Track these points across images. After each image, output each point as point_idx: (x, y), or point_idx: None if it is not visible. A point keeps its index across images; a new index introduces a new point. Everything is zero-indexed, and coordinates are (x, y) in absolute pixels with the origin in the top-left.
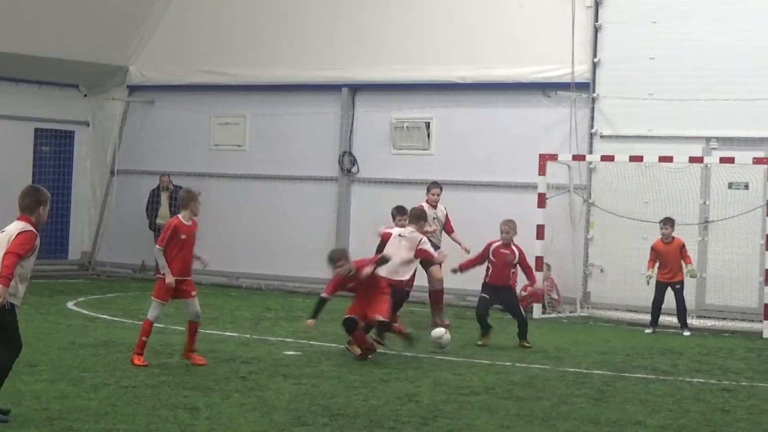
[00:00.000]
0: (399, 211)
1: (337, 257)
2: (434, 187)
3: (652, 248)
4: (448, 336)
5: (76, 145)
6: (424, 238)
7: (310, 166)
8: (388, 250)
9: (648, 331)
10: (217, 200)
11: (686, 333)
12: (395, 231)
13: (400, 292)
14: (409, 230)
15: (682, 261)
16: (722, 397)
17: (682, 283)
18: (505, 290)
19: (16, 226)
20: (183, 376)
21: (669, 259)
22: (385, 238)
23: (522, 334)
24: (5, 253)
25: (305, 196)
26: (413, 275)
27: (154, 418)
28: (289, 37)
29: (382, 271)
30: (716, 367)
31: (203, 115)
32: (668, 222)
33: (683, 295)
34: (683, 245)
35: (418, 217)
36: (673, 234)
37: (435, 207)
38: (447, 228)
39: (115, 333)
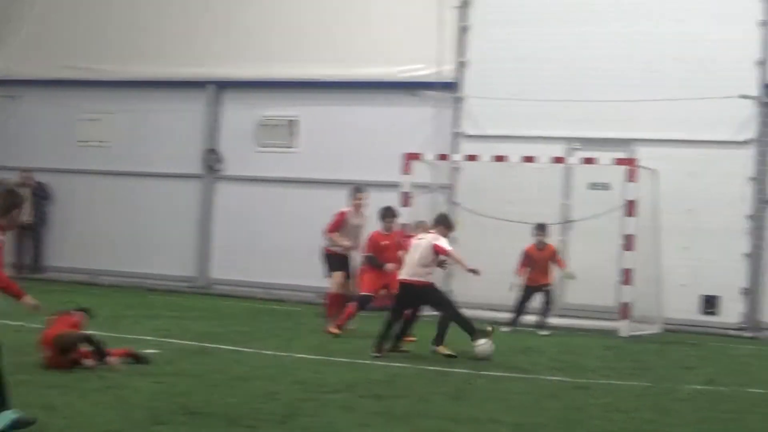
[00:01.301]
0: (387, 213)
1: None
2: (358, 191)
3: (525, 253)
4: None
5: None
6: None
7: (174, 163)
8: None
9: (505, 329)
10: (82, 197)
11: (542, 333)
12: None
13: None
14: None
15: (554, 265)
16: (578, 395)
17: (550, 286)
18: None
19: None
20: (41, 375)
21: (541, 265)
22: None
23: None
24: None
25: (169, 193)
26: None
27: None
28: (155, 34)
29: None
30: (573, 365)
31: (68, 110)
32: (542, 228)
33: (551, 298)
34: (555, 251)
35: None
36: (545, 240)
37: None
38: None
39: None
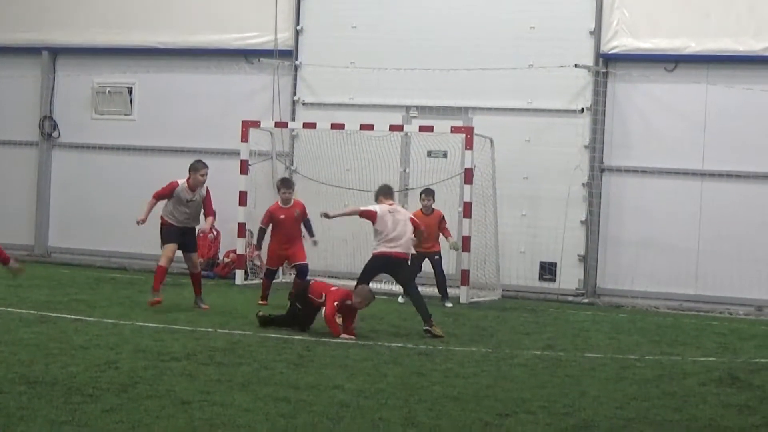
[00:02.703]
0: (284, 184)
1: None
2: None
3: (413, 217)
4: None
5: None
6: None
7: (8, 131)
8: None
9: (401, 300)
10: None
11: (448, 304)
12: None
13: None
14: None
15: (440, 233)
16: (419, 360)
17: (440, 254)
18: None
19: None
20: None
21: (428, 231)
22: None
23: None
24: None
25: (4, 160)
26: None
27: None
28: None
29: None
30: (414, 332)
31: None
32: (429, 193)
33: (442, 267)
34: (442, 217)
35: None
36: (433, 206)
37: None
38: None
39: None
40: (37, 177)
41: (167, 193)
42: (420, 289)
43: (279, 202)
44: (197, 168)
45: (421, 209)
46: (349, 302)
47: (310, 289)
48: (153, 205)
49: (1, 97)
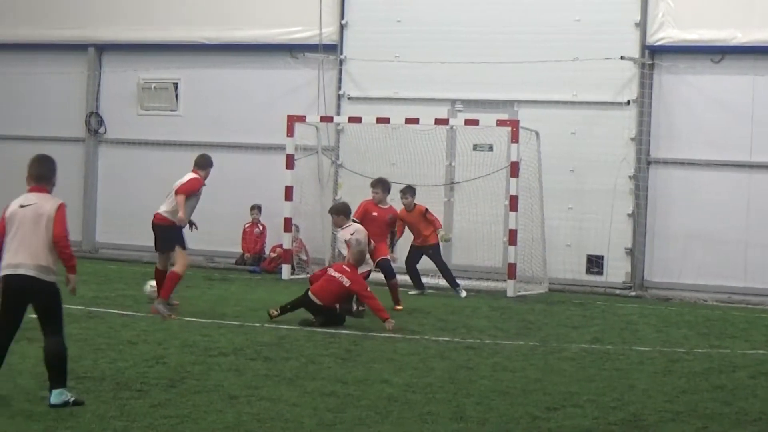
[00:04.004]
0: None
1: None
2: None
3: (398, 217)
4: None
5: None
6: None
7: (55, 127)
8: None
9: (413, 292)
10: None
11: (462, 293)
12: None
13: None
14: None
15: (429, 225)
16: (466, 354)
17: (435, 246)
18: None
19: (49, 202)
20: None
21: (415, 227)
22: None
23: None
24: (62, 236)
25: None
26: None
27: None
28: None
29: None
30: (461, 325)
31: None
32: (408, 191)
33: (440, 258)
34: (425, 210)
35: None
36: (415, 201)
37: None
38: None
39: None
40: (84, 173)
41: (196, 189)
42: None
43: (374, 201)
44: (211, 163)
45: (404, 207)
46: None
47: (312, 295)
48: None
49: (48, 94)
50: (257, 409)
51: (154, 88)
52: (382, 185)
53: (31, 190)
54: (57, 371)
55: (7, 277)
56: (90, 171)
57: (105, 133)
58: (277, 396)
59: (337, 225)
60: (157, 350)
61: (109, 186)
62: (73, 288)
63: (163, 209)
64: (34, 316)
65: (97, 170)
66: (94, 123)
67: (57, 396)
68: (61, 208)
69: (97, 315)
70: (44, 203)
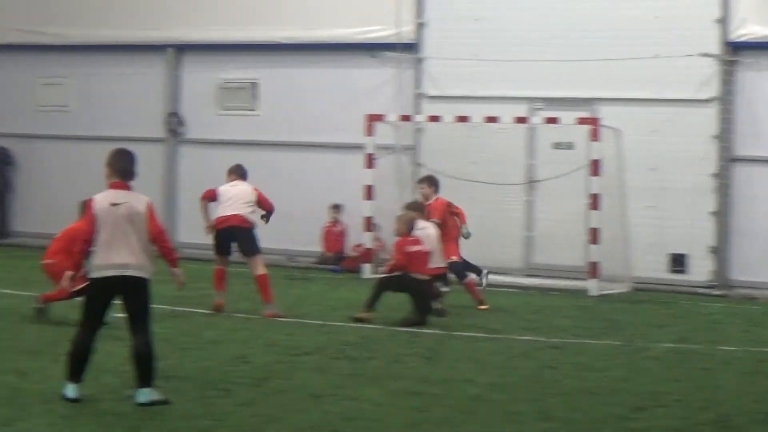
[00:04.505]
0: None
1: None
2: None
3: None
4: None
5: None
6: None
7: (135, 127)
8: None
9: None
10: (43, 162)
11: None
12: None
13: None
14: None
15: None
16: (550, 354)
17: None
18: None
19: (139, 199)
20: (12, 340)
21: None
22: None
23: None
24: (161, 231)
25: None
26: None
27: None
28: None
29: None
30: (544, 325)
31: (26, 75)
32: (425, 181)
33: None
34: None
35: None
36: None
37: None
38: None
39: None
40: (164, 173)
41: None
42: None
43: (422, 196)
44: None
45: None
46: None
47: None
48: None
49: (128, 95)
50: (342, 408)
51: (234, 88)
52: (428, 181)
53: (113, 186)
54: (145, 370)
55: (110, 278)
56: (171, 171)
57: (185, 133)
58: (361, 395)
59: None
60: (241, 350)
61: (190, 186)
62: (181, 281)
63: (246, 212)
64: (119, 315)
65: (178, 170)
66: (174, 123)
67: (144, 395)
68: (150, 204)
69: (181, 314)
70: (135, 201)
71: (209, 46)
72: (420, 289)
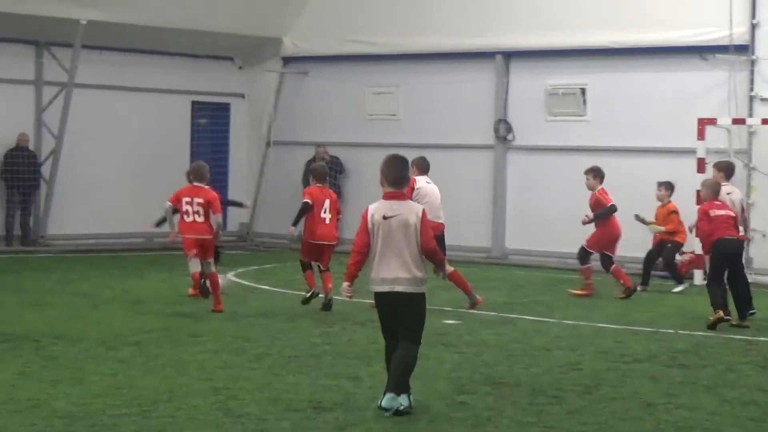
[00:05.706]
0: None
1: None
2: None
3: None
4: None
5: (232, 117)
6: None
7: (464, 135)
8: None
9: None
10: (371, 170)
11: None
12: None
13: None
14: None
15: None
16: None
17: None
18: None
19: (412, 208)
20: (345, 346)
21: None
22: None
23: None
24: (432, 242)
25: (461, 164)
26: None
27: (317, 388)
28: (441, 5)
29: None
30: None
31: (357, 85)
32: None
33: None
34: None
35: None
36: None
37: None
38: None
39: (275, 303)
40: (493, 180)
41: None
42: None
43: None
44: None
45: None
46: None
47: None
48: None
49: (459, 102)
50: (675, 417)
51: (562, 93)
52: (593, 173)
53: (387, 196)
54: (400, 377)
55: (383, 294)
56: (499, 178)
57: (513, 139)
58: (695, 404)
59: None
60: (571, 356)
61: (518, 192)
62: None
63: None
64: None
65: (506, 176)
66: (503, 130)
67: (389, 400)
68: (425, 213)
69: (510, 321)
70: (407, 211)
71: (537, 52)
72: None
